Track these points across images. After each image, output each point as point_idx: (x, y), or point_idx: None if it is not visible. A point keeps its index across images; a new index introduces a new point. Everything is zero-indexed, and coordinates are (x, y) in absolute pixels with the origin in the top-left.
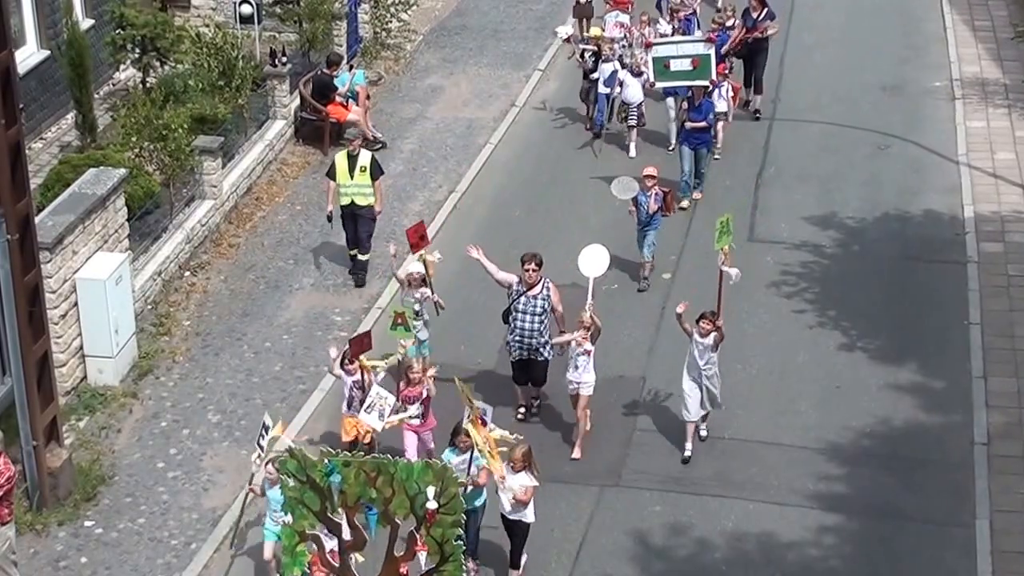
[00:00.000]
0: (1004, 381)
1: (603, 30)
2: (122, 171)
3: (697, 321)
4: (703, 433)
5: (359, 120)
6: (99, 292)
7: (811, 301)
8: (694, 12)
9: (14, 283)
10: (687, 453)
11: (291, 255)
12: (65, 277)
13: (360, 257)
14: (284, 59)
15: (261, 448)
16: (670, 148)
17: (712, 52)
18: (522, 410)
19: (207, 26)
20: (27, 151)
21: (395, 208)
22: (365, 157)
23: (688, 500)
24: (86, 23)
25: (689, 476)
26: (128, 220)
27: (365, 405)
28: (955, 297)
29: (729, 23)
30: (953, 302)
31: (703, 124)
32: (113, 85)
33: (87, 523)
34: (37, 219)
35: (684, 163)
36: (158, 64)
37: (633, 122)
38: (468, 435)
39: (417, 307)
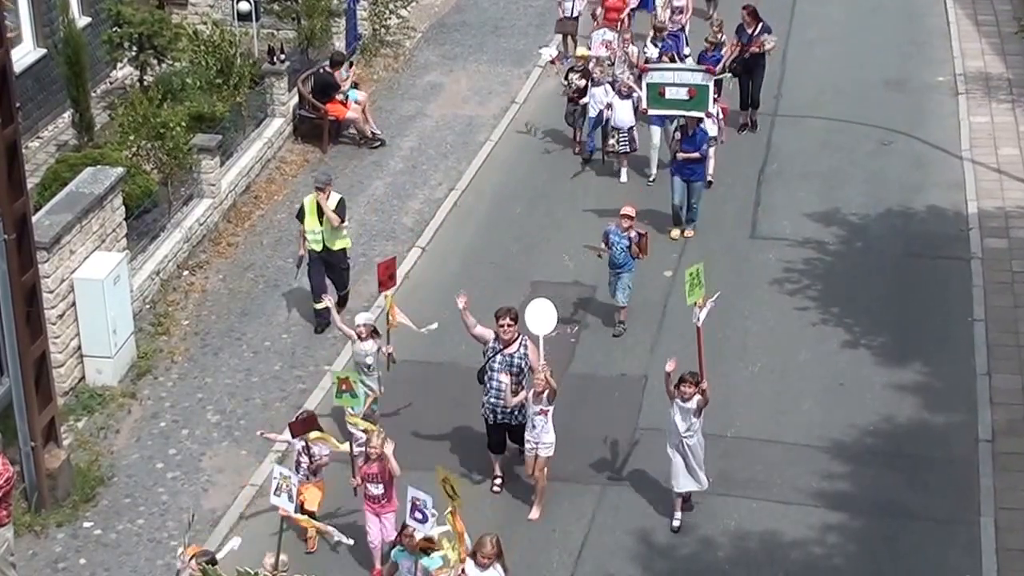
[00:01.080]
0: (1008, 378)
1: (589, 49)
2: (119, 170)
3: (677, 385)
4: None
5: (358, 118)
6: (97, 292)
7: (814, 298)
8: (682, 28)
9: (11, 283)
10: (676, 524)
11: (290, 254)
12: (63, 277)
13: (319, 306)
14: (282, 56)
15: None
16: (650, 179)
17: (710, 83)
18: (498, 482)
19: (204, 23)
20: (24, 150)
21: (395, 207)
22: (334, 200)
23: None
24: (83, 21)
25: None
26: (126, 219)
27: (273, 488)
28: (959, 294)
29: (716, 35)
30: (957, 299)
31: (696, 155)
32: (110, 83)
33: (86, 524)
34: (34, 218)
35: (675, 195)
36: (155, 62)
37: (624, 147)
38: (426, 539)
39: (369, 360)
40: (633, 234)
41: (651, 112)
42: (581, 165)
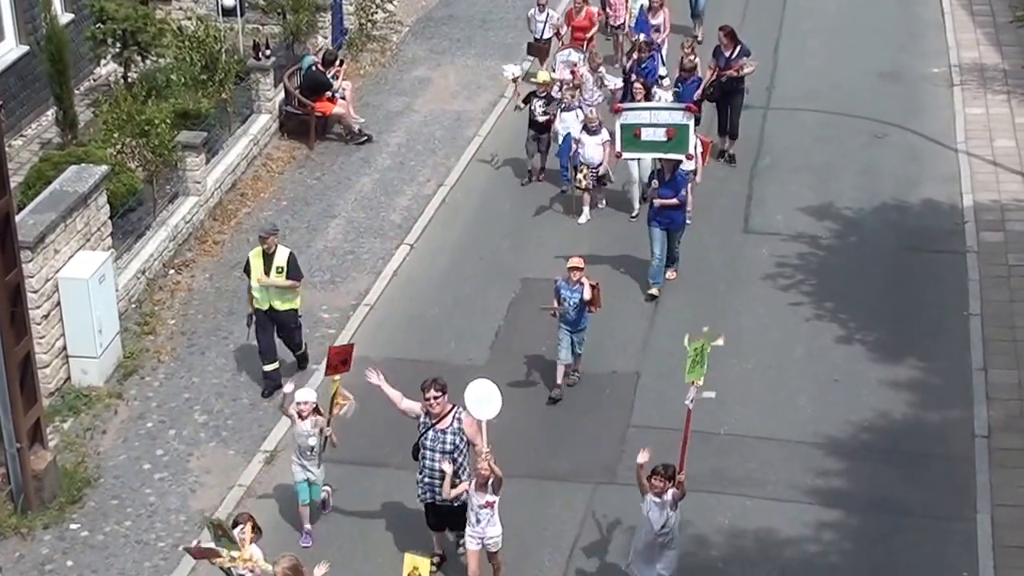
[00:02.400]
0: (1005, 373)
1: (553, 71)
2: (104, 168)
3: (649, 478)
4: None
5: (345, 114)
6: (82, 291)
7: (808, 293)
8: (659, 48)
9: None
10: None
11: None
12: (47, 276)
13: (267, 368)
14: (268, 52)
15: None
16: (632, 214)
17: (691, 123)
18: (437, 558)
19: (189, 19)
20: (7, 148)
21: (382, 203)
22: (282, 256)
23: (685, 497)
24: (65, 17)
25: (686, 473)
26: (111, 218)
27: None
28: (955, 288)
29: (689, 59)
30: (953, 293)
31: (675, 201)
32: (94, 80)
33: (72, 526)
34: (18, 218)
35: (655, 246)
36: (139, 58)
37: (589, 183)
38: None
39: (312, 442)
40: (585, 283)
41: (625, 155)
42: (550, 201)
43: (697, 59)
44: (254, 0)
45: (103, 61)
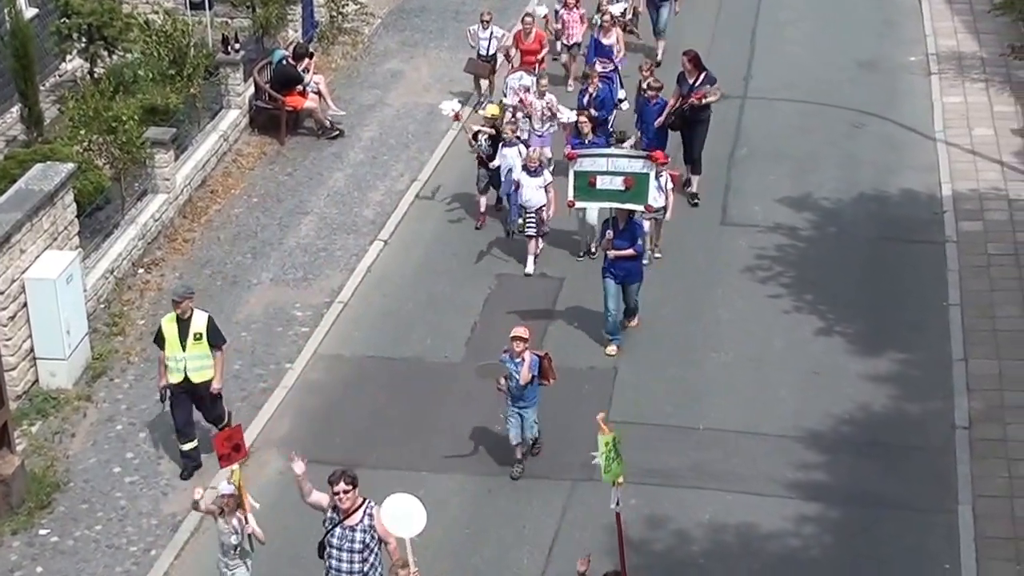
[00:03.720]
0: (985, 363)
1: (504, 96)
2: (70, 166)
3: None
4: None
5: (315, 108)
6: (49, 292)
7: (787, 285)
8: (616, 69)
9: None
10: None
11: (248, 249)
12: (13, 277)
13: (186, 447)
14: (237, 46)
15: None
16: (580, 254)
17: (652, 172)
18: None
19: (156, 13)
20: None
21: (355, 198)
22: (200, 321)
23: (664, 492)
24: (29, 12)
25: (665, 468)
26: (78, 216)
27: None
28: (934, 278)
29: (650, 81)
30: (932, 283)
31: (631, 252)
32: (59, 76)
33: (42, 531)
34: None
35: (609, 301)
36: (106, 53)
37: (532, 230)
38: None
39: (235, 539)
40: (530, 355)
41: (578, 205)
42: (487, 247)
43: (652, 80)
44: None
45: (69, 56)
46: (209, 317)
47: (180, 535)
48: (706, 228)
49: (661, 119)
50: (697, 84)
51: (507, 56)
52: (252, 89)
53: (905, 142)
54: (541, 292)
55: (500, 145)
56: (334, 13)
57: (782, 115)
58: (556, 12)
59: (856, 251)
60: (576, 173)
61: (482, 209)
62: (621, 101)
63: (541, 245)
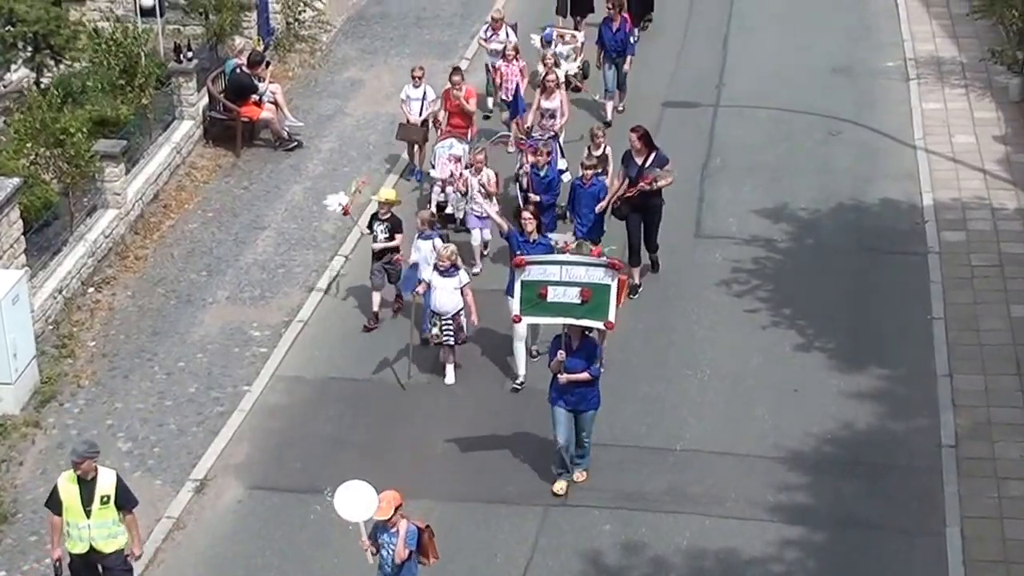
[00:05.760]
0: (970, 379)
1: (429, 173)
2: (16, 180)
3: None
4: None
5: (273, 119)
6: None
7: (764, 300)
8: (555, 137)
9: None
10: None
11: (203, 266)
12: None
13: None
14: (190, 54)
15: None
16: (516, 382)
17: (614, 283)
18: None
19: (107, 20)
20: None
21: (314, 213)
22: (107, 481)
23: (640, 517)
24: None
25: (641, 492)
26: (24, 234)
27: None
28: (916, 291)
29: (598, 153)
30: (914, 296)
31: (586, 376)
32: (4, 87)
33: None
34: None
35: (559, 431)
36: (53, 63)
37: (449, 339)
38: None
39: None
40: (407, 525)
41: (526, 321)
42: (395, 362)
43: (605, 148)
44: (174, 0)
45: (13, 66)
46: (117, 477)
47: (135, 569)
48: (679, 241)
49: (603, 204)
50: (647, 166)
51: (434, 121)
52: (206, 99)
53: (884, 150)
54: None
55: (417, 237)
56: (290, 20)
57: (756, 124)
58: (493, 64)
59: (835, 263)
60: (524, 283)
61: (375, 307)
62: (563, 172)
63: (453, 369)
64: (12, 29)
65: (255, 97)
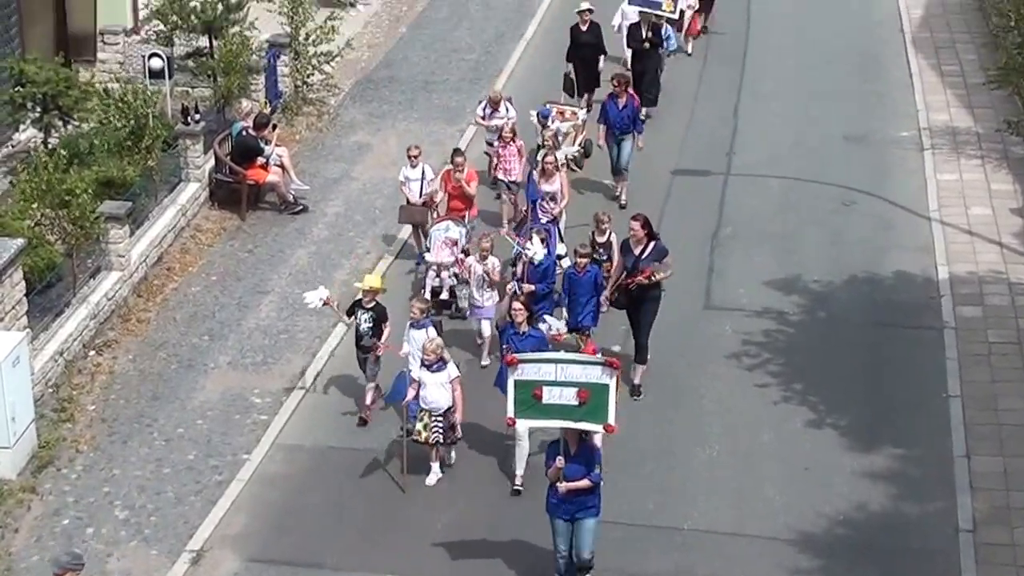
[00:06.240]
0: (989, 460)
1: (425, 256)
2: (20, 241)
3: None
4: None
5: (279, 183)
6: None
7: (775, 374)
8: (554, 221)
9: None
10: None
11: (206, 331)
12: None
13: None
14: (197, 116)
15: None
16: (515, 485)
17: (613, 382)
18: None
19: (116, 81)
20: None
21: (320, 278)
22: None
23: None
24: None
25: (647, 572)
26: (27, 295)
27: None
28: (932, 367)
29: (602, 240)
30: (930, 373)
31: (585, 483)
32: (12, 147)
33: None
34: None
35: (559, 541)
36: (61, 123)
37: (438, 437)
38: None
39: None
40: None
41: (520, 424)
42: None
43: (610, 235)
44: (183, 62)
45: (22, 126)
46: None
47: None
48: (688, 312)
49: (606, 295)
50: (644, 256)
51: (431, 202)
52: (212, 161)
53: (898, 221)
54: None
55: (409, 327)
56: (299, 83)
57: (767, 192)
58: (491, 145)
59: (848, 337)
60: (517, 383)
61: (368, 401)
62: (561, 257)
63: (453, 456)
64: (22, 90)
65: (261, 160)
